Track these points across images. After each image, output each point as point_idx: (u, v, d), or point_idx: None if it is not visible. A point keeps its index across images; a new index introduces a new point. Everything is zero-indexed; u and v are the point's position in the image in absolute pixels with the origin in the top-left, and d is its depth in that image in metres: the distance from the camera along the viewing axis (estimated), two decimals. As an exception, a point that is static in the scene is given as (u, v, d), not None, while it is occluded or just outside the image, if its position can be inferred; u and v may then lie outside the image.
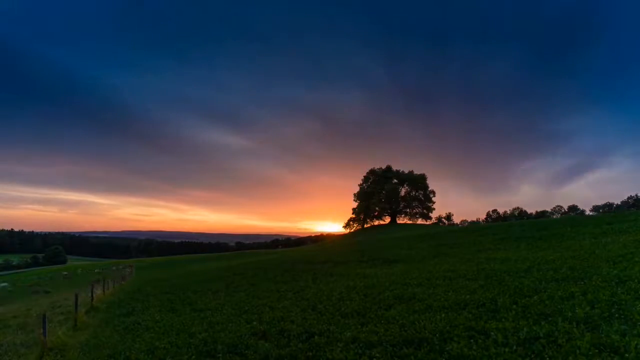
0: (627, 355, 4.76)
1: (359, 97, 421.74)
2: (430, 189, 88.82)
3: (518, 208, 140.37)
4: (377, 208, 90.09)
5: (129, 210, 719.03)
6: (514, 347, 5.53)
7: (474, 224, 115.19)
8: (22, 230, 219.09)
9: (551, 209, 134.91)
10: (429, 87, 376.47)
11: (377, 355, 6.10)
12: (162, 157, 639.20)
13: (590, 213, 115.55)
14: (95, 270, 59.54)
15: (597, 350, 5.02)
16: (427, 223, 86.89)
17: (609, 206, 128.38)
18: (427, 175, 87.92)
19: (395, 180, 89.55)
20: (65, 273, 57.60)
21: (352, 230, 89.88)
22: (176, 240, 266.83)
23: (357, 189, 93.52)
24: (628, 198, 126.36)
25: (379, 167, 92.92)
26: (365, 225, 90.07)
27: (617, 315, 6.18)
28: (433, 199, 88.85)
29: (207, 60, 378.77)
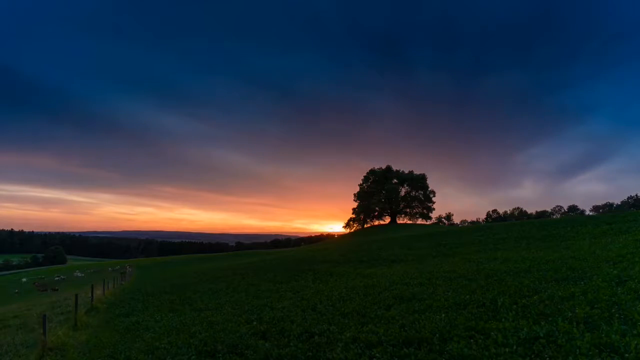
0: (627, 355, 4.75)
1: (317, 59, 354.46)
2: (430, 189, 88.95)
3: (518, 208, 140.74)
4: (377, 208, 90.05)
5: (110, 208, 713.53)
6: (514, 347, 5.52)
7: (474, 224, 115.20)
8: (22, 230, 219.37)
9: (551, 209, 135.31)
10: (402, 39, 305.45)
11: (377, 355, 6.09)
12: (119, 148, 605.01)
13: (590, 213, 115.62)
14: (93, 270, 59.52)
15: (597, 350, 5.01)
16: (427, 223, 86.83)
17: (609, 206, 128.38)
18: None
19: (395, 180, 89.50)
20: (78, 272, 57.60)
21: (352, 230, 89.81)
22: (176, 240, 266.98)
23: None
24: (628, 198, 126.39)
25: (378, 167, 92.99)
26: (365, 225, 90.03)
27: (617, 315, 6.18)
28: (433, 199, 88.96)
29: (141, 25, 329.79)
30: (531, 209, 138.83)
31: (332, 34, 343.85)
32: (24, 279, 54.60)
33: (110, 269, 61.34)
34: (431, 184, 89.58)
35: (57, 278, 51.60)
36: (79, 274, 54.27)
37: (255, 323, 9.21)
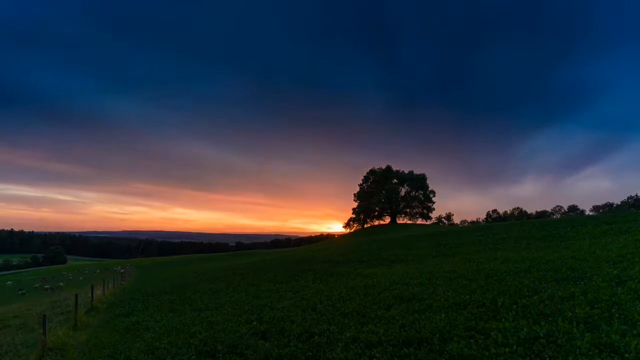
0: (627, 355, 4.75)
1: (309, 55, 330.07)
2: (430, 189, 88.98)
3: (518, 208, 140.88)
4: (377, 208, 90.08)
5: (101, 207, 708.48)
6: (514, 347, 5.52)
7: (474, 224, 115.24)
8: (22, 230, 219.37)
9: (551, 209, 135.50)
10: (391, 27, 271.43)
11: (377, 355, 6.09)
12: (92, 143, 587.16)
13: (590, 213, 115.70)
14: (97, 271, 59.50)
15: (597, 350, 5.01)
16: (427, 223, 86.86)
17: (609, 206, 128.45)
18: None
19: (395, 180, 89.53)
20: (89, 272, 57.51)
21: (352, 230, 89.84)
22: (176, 240, 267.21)
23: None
24: (628, 198, 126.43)
25: (378, 167, 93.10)
26: (365, 226, 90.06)
27: (617, 315, 6.18)
28: (433, 198, 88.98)
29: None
30: (531, 209, 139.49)
31: (320, 26, 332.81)
32: (8, 282, 53.93)
33: (106, 269, 61.34)
34: (431, 184, 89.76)
35: (70, 277, 51.88)
36: (80, 277, 54.34)
37: (255, 323, 9.20)
